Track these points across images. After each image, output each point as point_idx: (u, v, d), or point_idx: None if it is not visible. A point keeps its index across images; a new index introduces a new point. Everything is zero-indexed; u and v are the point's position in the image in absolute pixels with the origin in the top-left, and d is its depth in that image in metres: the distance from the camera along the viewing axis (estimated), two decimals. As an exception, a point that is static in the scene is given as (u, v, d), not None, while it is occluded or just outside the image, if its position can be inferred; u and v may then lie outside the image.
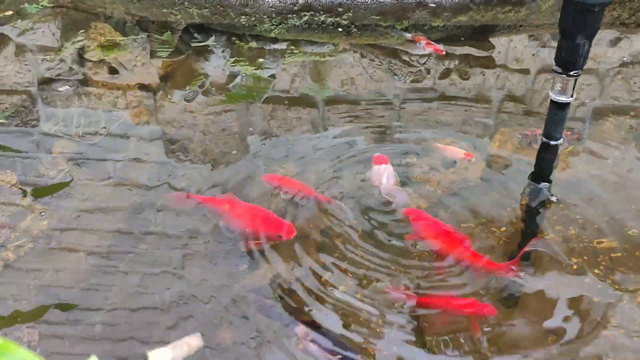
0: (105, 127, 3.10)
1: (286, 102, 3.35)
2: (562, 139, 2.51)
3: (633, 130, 3.08)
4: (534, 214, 2.55)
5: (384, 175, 2.58)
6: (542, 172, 2.58)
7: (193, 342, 0.87)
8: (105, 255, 2.34)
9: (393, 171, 2.62)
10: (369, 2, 4.11)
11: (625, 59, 3.75)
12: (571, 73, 2.28)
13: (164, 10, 4.16)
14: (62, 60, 3.75)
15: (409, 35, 4.00)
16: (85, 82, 3.53)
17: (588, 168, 2.78)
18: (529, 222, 2.52)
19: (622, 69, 3.68)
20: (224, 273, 2.24)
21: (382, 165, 2.62)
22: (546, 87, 3.46)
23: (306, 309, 2.09)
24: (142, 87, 3.49)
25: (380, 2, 4.11)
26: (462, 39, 4.02)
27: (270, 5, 4.10)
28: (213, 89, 3.46)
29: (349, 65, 3.74)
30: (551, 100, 2.38)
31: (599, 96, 3.42)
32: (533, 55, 3.89)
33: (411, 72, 3.67)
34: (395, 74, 3.65)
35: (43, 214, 2.52)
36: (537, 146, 2.62)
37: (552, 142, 2.49)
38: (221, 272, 2.24)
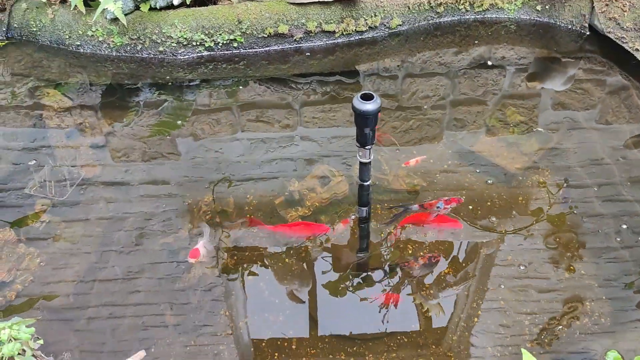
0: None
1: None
2: (369, 181, 3.67)
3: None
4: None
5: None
6: (362, 200, 3.77)
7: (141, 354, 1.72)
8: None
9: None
10: (258, 51, 5.31)
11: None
12: (366, 147, 3.37)
13: (98, 64, 5.17)
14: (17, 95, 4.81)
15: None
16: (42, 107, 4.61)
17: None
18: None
19: (466, 70, 5.03)
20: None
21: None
22: (411, 88, 4.76)
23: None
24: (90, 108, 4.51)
25: (266, 51, 5.32)
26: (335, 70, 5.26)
27: (182, 60, 5.20)
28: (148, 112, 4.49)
29: (254, 89, 4.87)
30: (359, 161, 3.51)
31: (452, 92, 4.72)
32: (398, 66, 5.16)
33: (299, 93, 4.82)
34: (288, 95, 4.78)
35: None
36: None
37: (365, 183, 3.68)
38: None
